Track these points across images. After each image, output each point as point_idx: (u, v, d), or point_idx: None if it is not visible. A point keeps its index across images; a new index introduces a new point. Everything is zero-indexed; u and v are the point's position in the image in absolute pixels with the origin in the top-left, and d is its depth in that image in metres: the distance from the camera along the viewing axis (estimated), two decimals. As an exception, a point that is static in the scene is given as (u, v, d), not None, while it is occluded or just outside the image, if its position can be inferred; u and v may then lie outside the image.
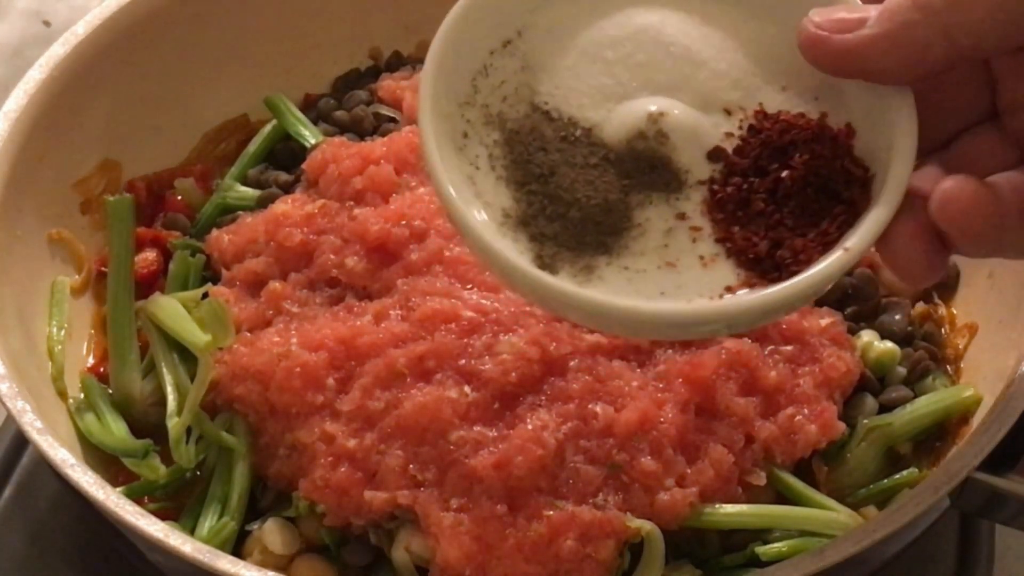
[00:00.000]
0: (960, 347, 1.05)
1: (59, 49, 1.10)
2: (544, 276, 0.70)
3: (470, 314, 0.96)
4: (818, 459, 0.97)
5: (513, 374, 0.93)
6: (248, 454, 0.96)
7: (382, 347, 0.95)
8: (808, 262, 0.70)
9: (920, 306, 1.07)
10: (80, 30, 1.11)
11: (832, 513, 0.93)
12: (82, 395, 1.02)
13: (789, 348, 0.98)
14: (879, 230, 0.70)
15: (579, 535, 0.88)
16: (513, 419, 0.92)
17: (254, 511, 0.97)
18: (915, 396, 1.01)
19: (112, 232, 1.05)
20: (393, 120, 1.17)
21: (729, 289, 0.70)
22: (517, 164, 0.73)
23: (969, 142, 0.75)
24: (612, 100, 0.74)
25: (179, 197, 1.17)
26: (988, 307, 1.04)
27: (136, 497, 0.94)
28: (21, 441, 1.10)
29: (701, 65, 0.75)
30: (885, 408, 1.00)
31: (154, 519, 0.87)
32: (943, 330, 1.07)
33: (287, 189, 1.12)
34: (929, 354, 1.03)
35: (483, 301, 0.97)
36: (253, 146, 1.18)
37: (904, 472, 0.98)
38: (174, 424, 0.96)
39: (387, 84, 1.19)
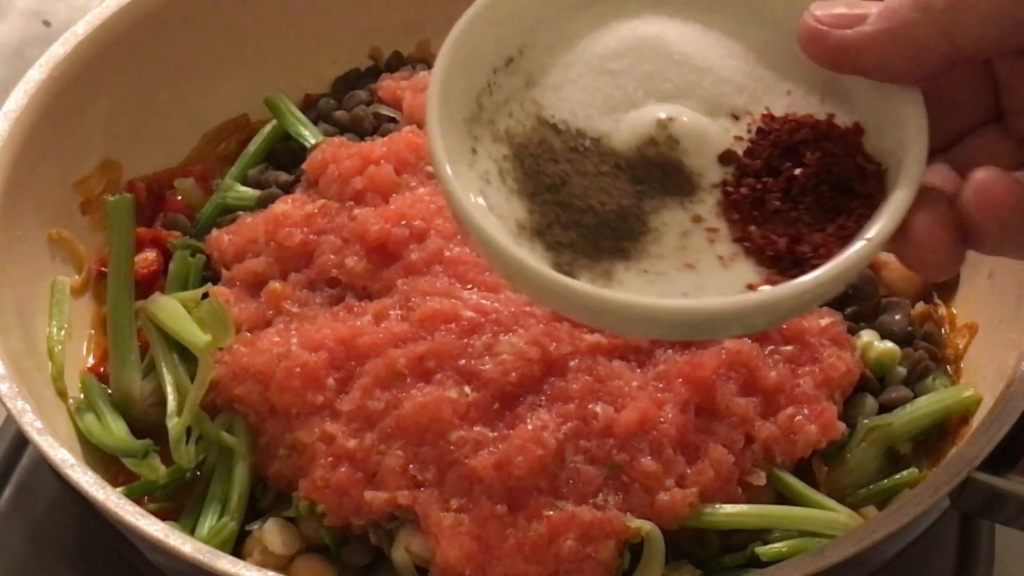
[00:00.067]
0: (960, 347, 1.05)
1: (59, 49, 1.10)
2: (571, 281, 0.69)
3: (470, 314, 0.96)
4: (818, 459, 0.97)
5: (513, 374, 0.93)
6: (248, 454, 0.96)
7: (382, 347, 0.95)
8: (828, 256, 0.69)
9: (920, 306, 1.07)
10: (80, 30, 1.11)
11: (832, 513, 0.93)
12: (82, 395, 1.02)
13: (789, 348, 0.98)
14: (900, 216, 0.69)
15: (579, 535, 0.88)
16: (513, 419, 0.92)
17: (254, 511, 0.97)
18: (915, 396, 1.01)
19: (112, 232, 1.05)
20: (393, 120, 1.16)
21: (751, 287, 0.70)
22: (528, 176, 0.73)
23: (974, 143, 0.74)
24: (619, 110, 0.74)
25: (179, 197, 1.17)
26: (988, 307, 1.04)
27: (136, 497, 0.94)
28: (21, 441, 1.11)
29: (705, 72, 0.75)
30: (885, 408, 1.00)
31: (154, 519, 0.87)
32: (943, 330, 1.07)
33: (287, 189, 1.12)
34: (929, 354, 1.03)
35: (483, 301, 0.97)
36: (253, 146, 1.18)
37: (904, 472, 0.98)
38: (174, 424, 0.96)
39: (387, 84, 1.19)
